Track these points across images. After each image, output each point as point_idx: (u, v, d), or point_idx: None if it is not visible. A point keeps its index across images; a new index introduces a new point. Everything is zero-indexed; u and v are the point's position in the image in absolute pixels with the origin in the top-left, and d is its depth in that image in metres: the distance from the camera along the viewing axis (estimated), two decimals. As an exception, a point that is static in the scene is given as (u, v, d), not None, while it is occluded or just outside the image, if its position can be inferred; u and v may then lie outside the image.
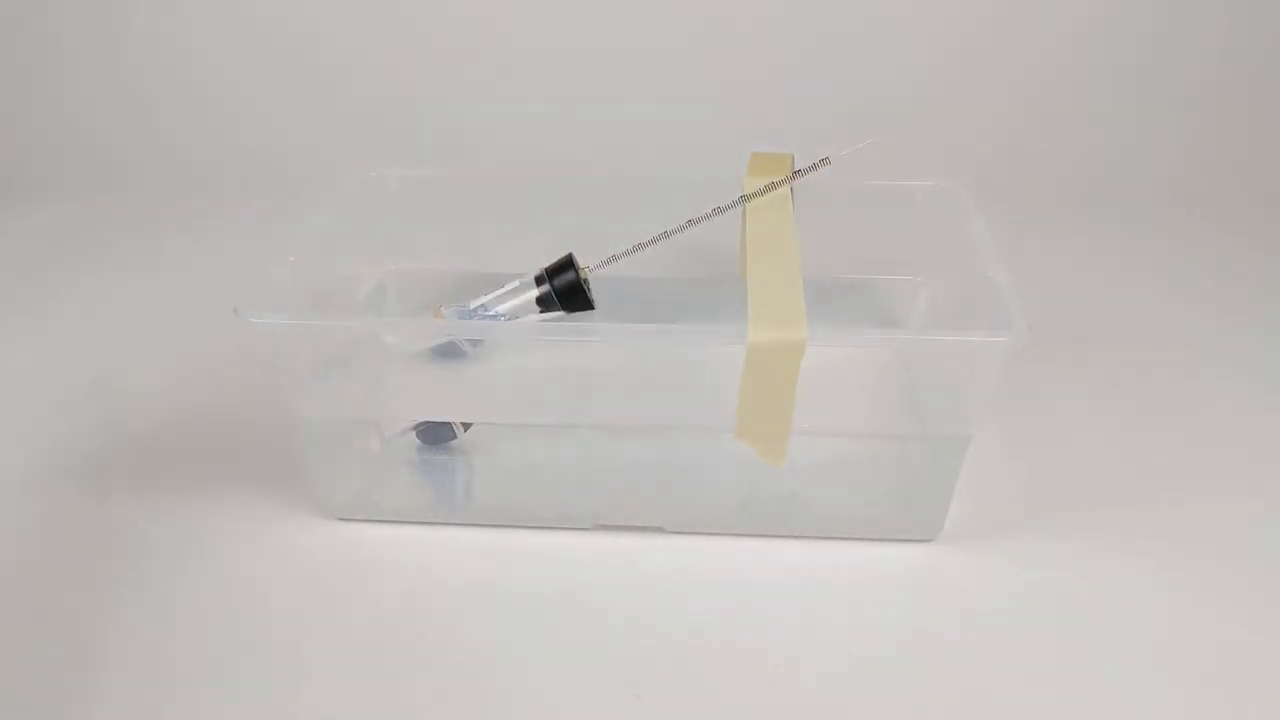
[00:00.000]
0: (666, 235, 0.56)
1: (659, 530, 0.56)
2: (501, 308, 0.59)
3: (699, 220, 0.56)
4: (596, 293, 0.59)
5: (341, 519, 0.57)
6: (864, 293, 0.69)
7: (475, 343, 0.58)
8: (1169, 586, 0.52)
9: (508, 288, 0.59)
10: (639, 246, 0.56)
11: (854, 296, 0.68)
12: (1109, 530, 0.56)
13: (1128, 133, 1.02)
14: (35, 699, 0.47)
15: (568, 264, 0.58)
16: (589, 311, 0.57)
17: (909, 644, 0.49)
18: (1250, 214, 0.94)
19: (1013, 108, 1.02)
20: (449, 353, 0.59)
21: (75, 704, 0.47)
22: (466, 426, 0.60)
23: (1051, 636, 0.49)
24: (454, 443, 0.60)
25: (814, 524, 0.56)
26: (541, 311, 0.58)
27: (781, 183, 0.56)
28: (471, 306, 0.60)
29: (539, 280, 0.59)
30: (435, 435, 0.60)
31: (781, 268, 0.51)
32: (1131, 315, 0.78)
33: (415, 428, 0.60)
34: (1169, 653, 0.48)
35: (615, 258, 0.57)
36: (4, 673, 0.48)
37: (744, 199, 0.56)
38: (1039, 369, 0.69)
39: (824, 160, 0.55)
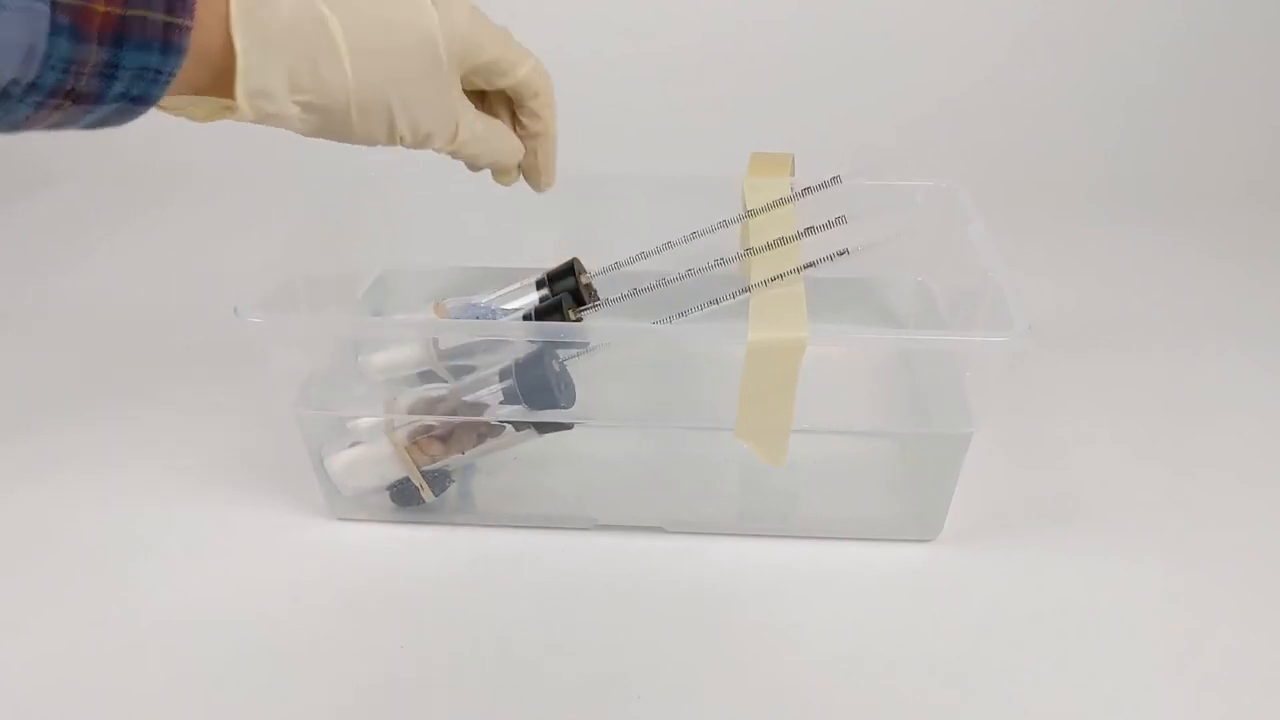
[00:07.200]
0: (670, 245, 0.56)
1: (659, 530, 0.56)
2: (504, 307, 0.59)
3: (703, 232, 0.56)
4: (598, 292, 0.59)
5: (341, 519, 0.57)
6: (864, 293, 0.69)
7: (462, 371, 0.56)
8: (1170, 586, 0.52)
9: (511, 287, 0.59)
10: (643, 255, 0.57)
11: (854, 296, 0.68)
12: (1109, 530, 0.56)
13: (1126, 132, 1.02)
14: (34, 699, 0.47)
15: (569, 269, 0.58)
16: (589, 312, 0.57)
17: (909, 644, 0.49)
18: (1250, 213, 0.94)
19: (1013, 108, 1.02)
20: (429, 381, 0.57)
21: (75, 703, 0.47)
22: (439, 490, 0.55)
23: (1051, 636, 0.49)
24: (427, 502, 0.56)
25: (814, 524, 0.56)
26: (503, 400, 0.52)
27: (786, 200, 0.56)
28: (475, 302, 0.59)
29: (539, 284, 0.58)
30: (406, 497, 0.55)
31: (782, 267, 0.51)
32: (1131, 315, 0.78)
33: (389, 489, 0.55)
34: (1169, 652, 0.48)
35: (618, 264, 0.57)
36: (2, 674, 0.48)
37: (750, 213, 0.57)
38: (1039, 369, 0.69)
39: (835, 179, 0.55)
